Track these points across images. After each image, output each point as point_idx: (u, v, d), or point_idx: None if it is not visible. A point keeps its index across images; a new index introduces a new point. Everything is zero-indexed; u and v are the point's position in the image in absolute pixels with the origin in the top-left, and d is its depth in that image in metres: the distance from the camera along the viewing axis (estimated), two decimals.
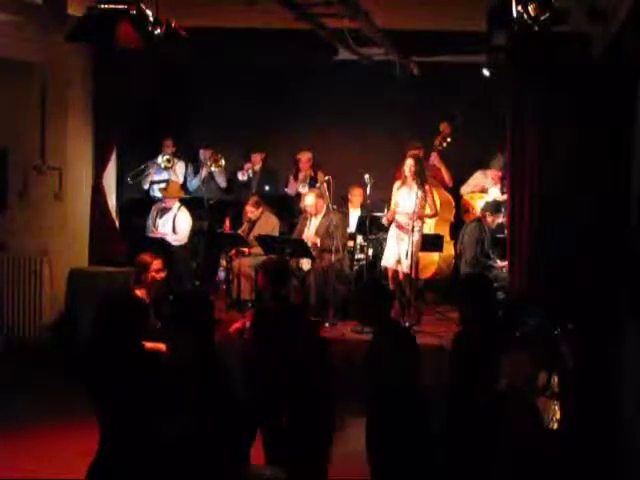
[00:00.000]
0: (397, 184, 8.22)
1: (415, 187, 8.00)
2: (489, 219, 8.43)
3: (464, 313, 5.01)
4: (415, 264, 7.97)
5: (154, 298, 5.74)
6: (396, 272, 8.10)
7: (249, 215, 8.96)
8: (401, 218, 8.08)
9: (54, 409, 6.46)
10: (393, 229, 8.16)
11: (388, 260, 8.18)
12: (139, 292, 5.62)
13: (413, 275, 7.96)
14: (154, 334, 5.11)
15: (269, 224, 8.94)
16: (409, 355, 4.56)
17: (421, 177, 8.02)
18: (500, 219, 8.54)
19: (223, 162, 9.78)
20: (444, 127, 9.07)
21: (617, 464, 5.30)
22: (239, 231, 9.06)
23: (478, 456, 4.57)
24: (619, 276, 6.17)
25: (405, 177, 8.11)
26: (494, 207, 8.51)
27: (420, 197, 7.94)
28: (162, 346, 5.08)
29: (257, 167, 10.00)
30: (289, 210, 9.76)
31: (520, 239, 7.69)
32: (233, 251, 8.86)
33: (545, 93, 7.42)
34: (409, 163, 8.06)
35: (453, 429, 4.68)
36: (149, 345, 5.47)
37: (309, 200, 8.61)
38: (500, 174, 9.23)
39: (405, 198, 8.07)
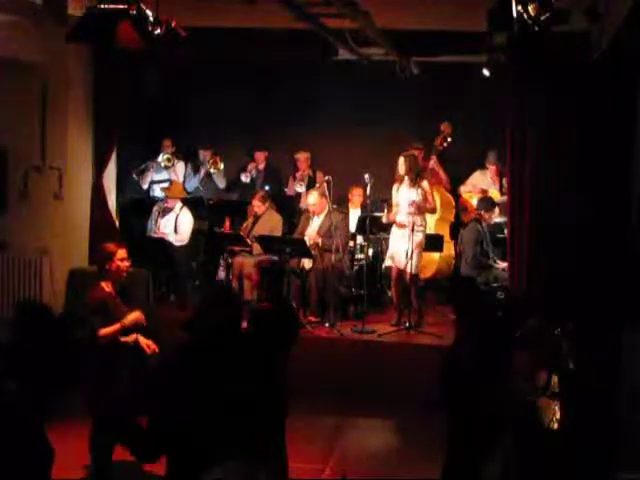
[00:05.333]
0: (395, 186, 8.24)
1: (412, 184, 8.03)
2: (485, 216, 8.50)
3: (458, 315, 5.07)
4: (418, 264, 8.02)
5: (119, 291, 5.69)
6: (400, 272, 8.09)
7: (255, 209, 8.98)
8: (403, 217, 8.09)
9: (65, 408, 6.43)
10: (396, 228, 8.17)
11: (392, 260, 8.18)
12: (105, 285, 5.59)
13: (413, 274, 7.98)
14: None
15: (272, 221, 8.96)
16: None
17: (415, 173, 8.05)
18: (495, 214, 8.59)
19: (222, 165, 9.78)
20: (444, 127, 9.07)
21: (616, 463, 5.31)
22: (242, 226, 9.09)
23: (480, 455, 4.58)
24: (619, 276, 6.17)
25: (401, 177, 8.14)
26: (487, 203, 8.57)
27: (418, 193, 7.98)
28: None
29: (261, 166, 10.03)
30: (289, 210, 9.76)
31: (520, 239, 7.69)
32: (236, 247, 8.86)
33: (545, 93, 7.42)
34: (400, 162, 8.11)
35: (456, 429, 4.69)
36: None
37: (312, 199, 8.62)
38: (496, 168, 9.27)
39: (405, 197, 8.09)
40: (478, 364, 4.65)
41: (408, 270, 7.93)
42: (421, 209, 8.05)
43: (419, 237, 8.01)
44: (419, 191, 8.01)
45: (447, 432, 4.71)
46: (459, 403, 4.69)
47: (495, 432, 4.59)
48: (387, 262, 8.35)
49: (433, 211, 8.34)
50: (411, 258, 7.84)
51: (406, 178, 8.08)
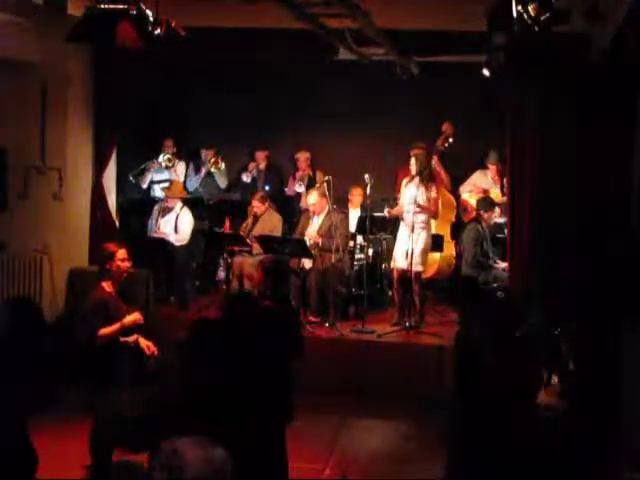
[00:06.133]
0: (405, 181, 8.24)
1: (419, 184, 8.04)
2: (485, 216, 8.50)
3: (459, 315, 5.09)
4: (422, 262, 8.03)
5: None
6: (403, 273, 8.07)
7: (255, 210, 8.98)
8: (409, 217, 8.07)
9: (52, 409, 6.44)
10: (403, 229, 8.16)
11: (398, 261, 8.15)
12: (105, 285, 5.59)
13: (416, 273, 7.99)
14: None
15: (272, 221, 8.97)
16: None
17: (423, 175, 8.05)
18: (496, 214, 8.60)
19: (223, 166, 9.77)
20: (446, 127, 9.07)
21: (617, 464, 5.31)
22: (242, 226, 9.08)
23: (481, 455, 4.58)
24: (619, 276, 6.17)
25: (412, 175, 8.16)
26: (487, 203, 8.58)
27: (424, 194, 7.98)
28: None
29: (262, 166, 10.02)
30: (289, 210, 9.76)
31: (520, 239, 7.69)
32: (236, 247, 8.84)
33: (545, 93, 7.42)
34: (412, 162, 8.15)
35: (457, 429, 4.69)
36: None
37: (312, 199, 8.62)
38: (497, 168, 9.27)
39: (410, 195, 8.09)
40: (479, 363, 4.65)
41: (412, 269, 7.94)
42: (424, 210, 8.05)
43: (424, 236, 8.02)
44: (426, 193, 8.01)
45: (448, 432, 4.72)
46: (462, 401, 4.70)
47: (498, 431, 4.59)
48: (393, 263, 8.31)
49: (434, 215, 8.34)
50: (412, 256, 7.84)
51: (417, 177, 8.08)
